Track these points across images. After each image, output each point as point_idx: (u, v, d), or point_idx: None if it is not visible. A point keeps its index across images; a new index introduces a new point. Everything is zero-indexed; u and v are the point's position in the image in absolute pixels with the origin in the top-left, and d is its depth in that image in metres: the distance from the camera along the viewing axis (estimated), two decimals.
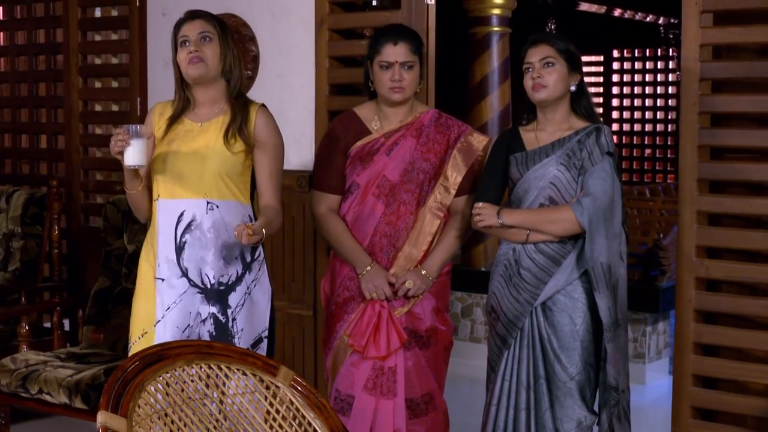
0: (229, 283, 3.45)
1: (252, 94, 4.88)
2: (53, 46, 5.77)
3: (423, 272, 3.63)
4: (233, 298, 3.45)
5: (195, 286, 3.44)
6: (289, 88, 4.79)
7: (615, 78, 13.15)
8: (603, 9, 11.34)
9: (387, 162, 3.66)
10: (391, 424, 3.60)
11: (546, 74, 3.41)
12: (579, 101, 3.49)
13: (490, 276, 3.58)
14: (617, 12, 11.51)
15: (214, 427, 2.59)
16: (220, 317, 3.44)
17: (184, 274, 3.43)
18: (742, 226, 3.72)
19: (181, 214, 3.44)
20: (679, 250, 3.74)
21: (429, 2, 4.38)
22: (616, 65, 13.15)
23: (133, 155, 3.33)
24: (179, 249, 3.44)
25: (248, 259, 3.48)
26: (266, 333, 3.52)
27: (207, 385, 2.59)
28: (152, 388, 2.47)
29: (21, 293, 5.22)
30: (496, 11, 7.18)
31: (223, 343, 2.78)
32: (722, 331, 3.72)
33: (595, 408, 3.50)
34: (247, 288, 3.48)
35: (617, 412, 3.40)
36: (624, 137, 13.18)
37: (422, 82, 3.77)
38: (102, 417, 2.30)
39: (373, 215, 3.66)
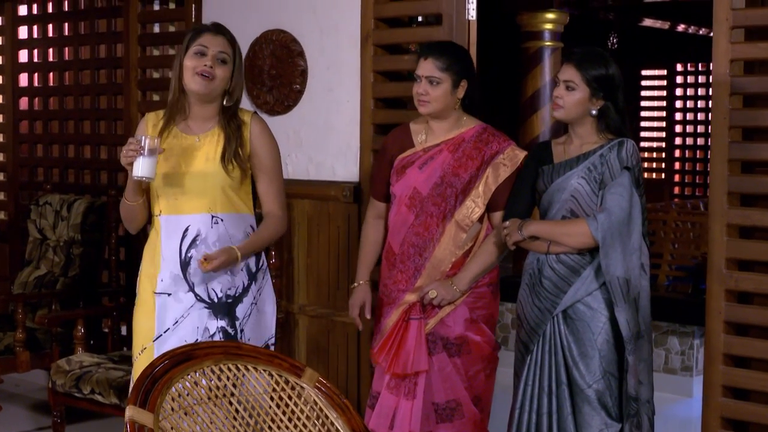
0: (236, 294, 3.50)
1: (300, 107, 5.05)
2: (114, 61, 5.95)
3: (450, 283, 3.68)
4: (240, 310, 3.50)
5: (202, 300, 3.47)
6: (336, 102, 4.90)
7: (678, 92, 13.04)
8: (666, 24, 11.29)
9: (418, 175, 3.74)
10: (407, 424, 3.67)
11: (566, 96, 3.47)
12: (604, 120, 3.51)
13: (520, 285, 3.67)
14: (681, 27, 11.45)
15: (240, 425, 2.72)
16: (229, 330, 3.48)
17: (191, 288, 3.46)
18: None
19: (186, 230, 3.47)
20: (709, 262, 3.77)
21: (470, 18, 4.46)
22: (679, 79, 13.04)
23: (143, 167, 3.32)
24: (185, 264, 3.46)
25: (253, 269, 3.53)
26: (272, 340, 3.60)
27: (234, 385, 2.71)
28: (180, 386, 2.59)
29: (80, 298, 5.42)
30: (549, 26, 7.26)
31: (251, 345, 2.90)
32: (752, 343, 3.74)
33: None
34: (254, 298, 3.53)
35: (636, 422, 3.44)
36: (687, 151, 13.06)
37: (464, 99, 3.75)
38: (130, 411, 2.41)
39: (405, 225, 3.77)
